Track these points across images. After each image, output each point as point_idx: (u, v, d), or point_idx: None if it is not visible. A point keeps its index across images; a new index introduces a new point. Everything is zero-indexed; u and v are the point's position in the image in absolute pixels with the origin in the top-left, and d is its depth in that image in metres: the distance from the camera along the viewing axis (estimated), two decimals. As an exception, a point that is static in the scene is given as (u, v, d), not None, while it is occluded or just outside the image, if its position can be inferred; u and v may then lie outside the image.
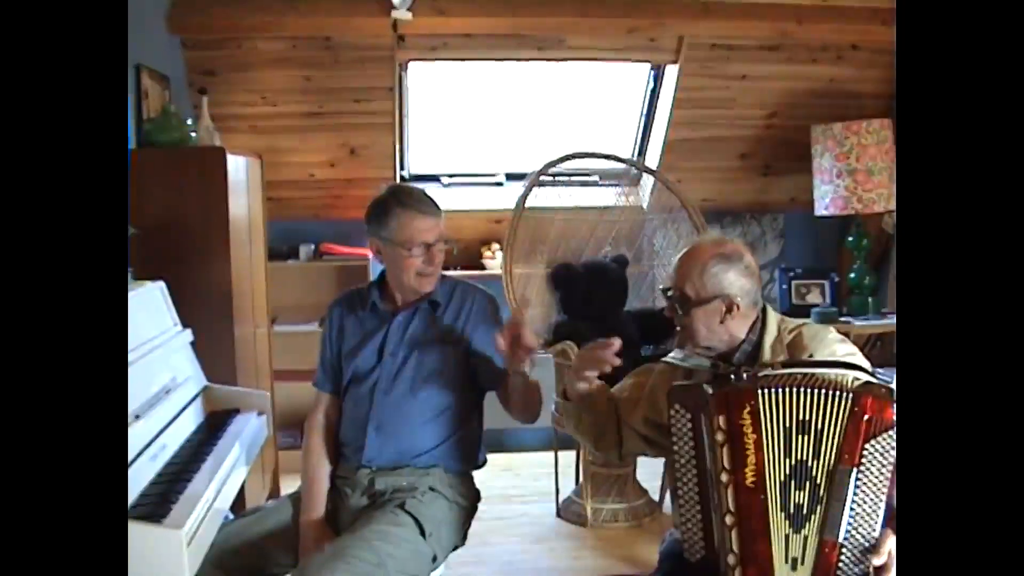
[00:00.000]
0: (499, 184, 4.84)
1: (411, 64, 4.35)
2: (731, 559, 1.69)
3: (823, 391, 1.67)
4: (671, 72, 4.43)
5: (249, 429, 2.40)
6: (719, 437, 1.69)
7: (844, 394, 1.67)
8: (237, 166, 3.24)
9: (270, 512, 2.23)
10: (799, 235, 5.04)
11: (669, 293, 1.93)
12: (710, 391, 1.73)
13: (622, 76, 4.70)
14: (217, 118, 3.59)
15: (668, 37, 4.24)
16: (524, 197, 3.93)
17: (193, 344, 2.59)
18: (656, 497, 3.89)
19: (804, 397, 1.68)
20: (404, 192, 2.23)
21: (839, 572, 1.67)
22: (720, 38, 4.24)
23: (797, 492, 1.68)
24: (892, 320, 4.29)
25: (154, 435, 2.07)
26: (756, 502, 1.68)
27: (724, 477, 1.69)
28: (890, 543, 1.64)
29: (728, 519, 1.69)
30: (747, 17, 4.12)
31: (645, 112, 4.70)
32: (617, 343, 1.91)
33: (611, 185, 4.65)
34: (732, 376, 1.76)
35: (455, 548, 2.23)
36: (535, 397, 2.19)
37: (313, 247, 4.54)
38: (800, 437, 1.68)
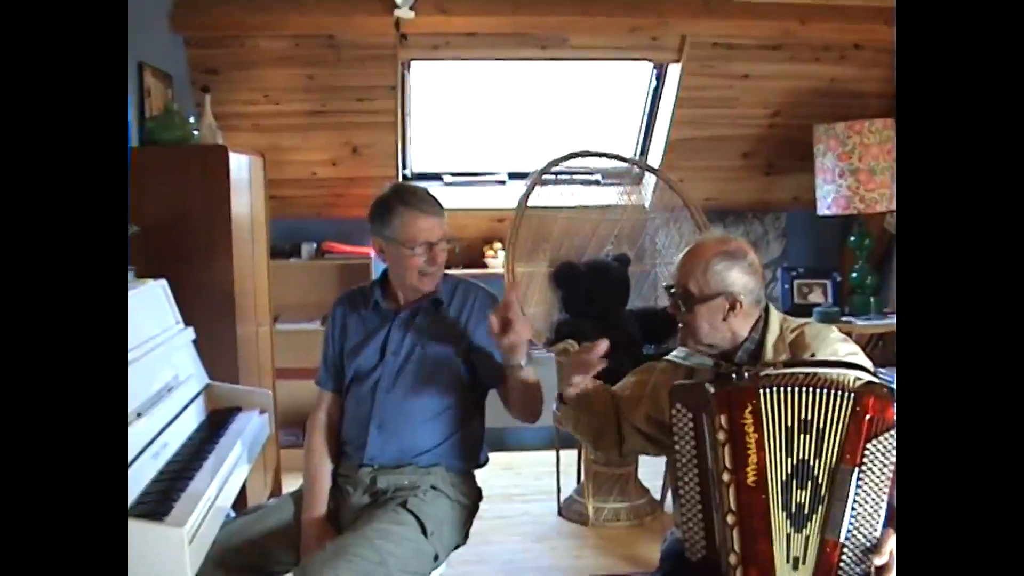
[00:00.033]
0: (501, 183, 4.84)
1: (413, 63, 4.35)
2: (732, 558, 1.69)
3: (825, 390, 1.67)
4: (673, 71, 4.43)
5: (251, 427, 2.40)
6: (720, 436, 1.69)
7: (846, 394, 1.66)
8: (239, 164, 3.24)
9: (272, 510, 2.23)
10: (801, 234, 5.04)
11: (672, 290, 1.93)
12: (711, 390, 1.73)
13: (624, 75, 4.70)
14: (220, 116, 3.59)
15: (670, 36, 4.24)
16: (526, 196, 3.93)
17: (195, 342, 2.59)
18: (658, 496, 3.89)
19: (806, 396, 1.68)
20: (407, 191, 2.23)
21: (840, 572, 1.67)
22: (722, 37, 4.24)
23: (799, 491, 1.68)
24: (894, 320, 4.29)
25: (156, 433, 2.07)
26: (757, 501, 1.68)
27: (725, 476, 1.69)
28: (891, 543, 1.64)
29: (729, 518, 1.69)
30: (749, 16, 4.12)
31: (647, 111, 4.70)
32: (603, 345, 1.92)
33: (613, 184, 4.65)
34: (734, 375, 1.76)
35: (456, 547, 2.23)
36: (536, 397, 2.19)
37: (315, 246, 4.54)
38: (802, 437, 1.68)
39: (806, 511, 1.68)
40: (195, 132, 3.29)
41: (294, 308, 4.47)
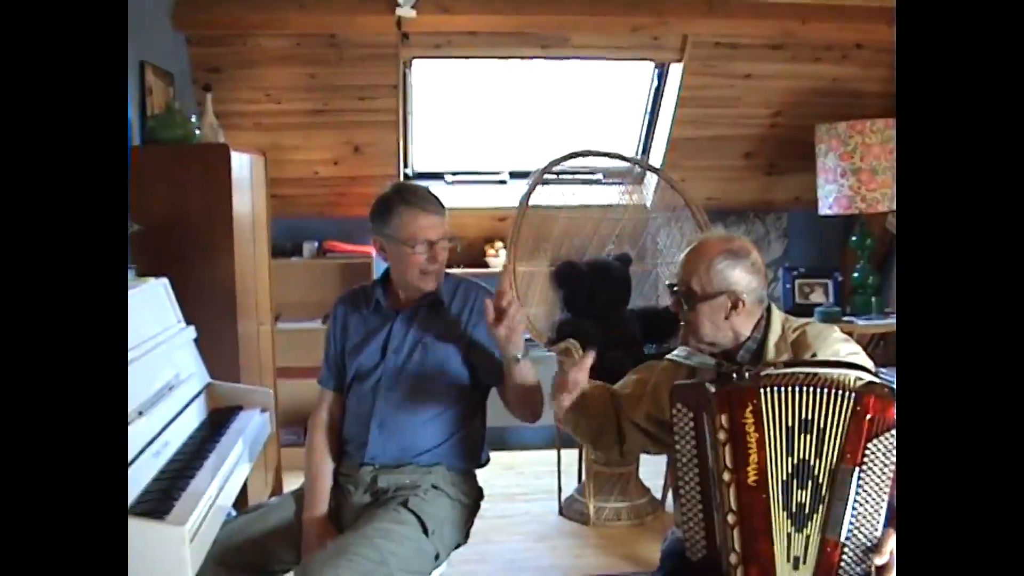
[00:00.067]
0: (503, 182, 4.84)
1: (415, 62, 4.36)
2: (733, 558, 1.69)
3: (825, 390, 1.67)
4: (675, 71, 4.43)
5: (252, 426, 2.40)
6: (721, 436, 1.69)
7: (846, 393, 1.66)
8: (241, 163, 3.24)
9: (273, 509, 2.23)
10: (803, 234, 5.04)
11: (675, 288, 1.93)
12: (712, 390, 1.73)
13: (626, 74, 4.70)
14: (221, 115, 3.60)
15: (672, 36, 4.24)
16: (528, 195, 3.93)
17: (196, 341, 2.59)
18: (659, 496, 3.89)
19: (806, 396, 1.68)
20: (408, 190, 2.24)
21: (841, 571, 1.67)
22: (724, 37, 4.24)
23: (799, 491, 1.68)
24: (895, 320, 4.29)
25: (157, 432, 2.07)
26: (758, 501, 1.68)
27: (726, 476, 1.69)
28: (892, 542, 1.63)
29: (730, 518, 1.69)
30: (751, 16, 4.12)
31: (649, 110, 4.70)
32: (588, 360, 1.96)
33: (615, 183, 4.65)
34: (734, 375, 1.76)
35: (457, 546, 2.23)
36: (535, 397, 2.19)
37: (317, 244, 4.55)
38: (802, 436, 1.68)
39: (807, 511, 1.68)
40: (197, 131, 3.29)
41: (295, 307, 4.48)
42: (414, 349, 2.23)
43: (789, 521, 1.68)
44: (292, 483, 2.71)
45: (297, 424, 4.12)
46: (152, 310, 2.43)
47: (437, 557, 2.11)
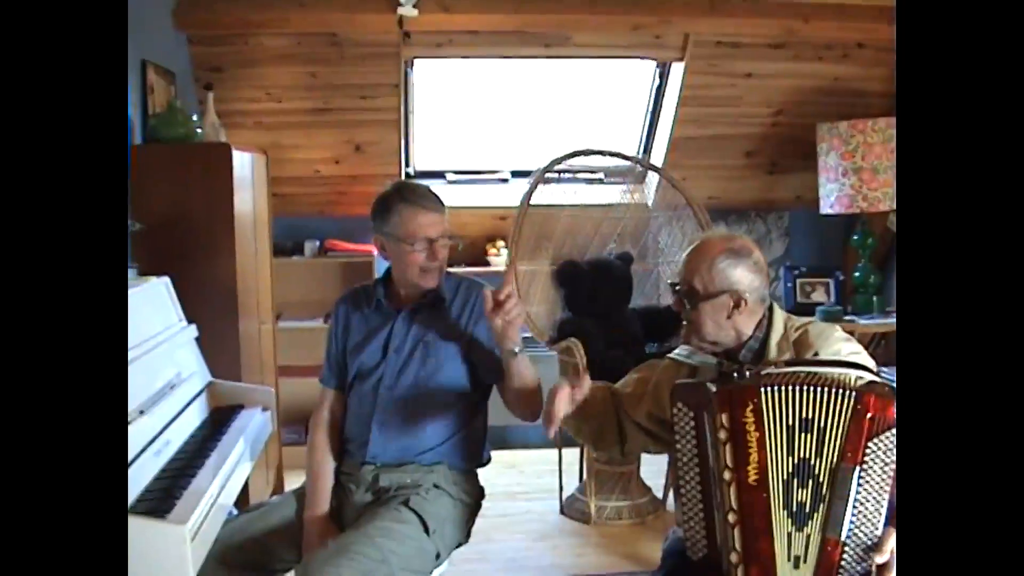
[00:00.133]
0: (504, 181, 4.84)
1: (416, 61, 4.36)
2: (734, 557, 1.69)
3: (826, 389, 1.67)
4: (677, 70, 4.43)
5: (253, 425, 2.40)
6: (722, 435, 1.69)
7: (847, 392, 1.66)
8: (242, 162, 3.24)
9: (274, 508, 2.24)
10: (804, 233, 5.04)
11: (677, 287, 1.93)
12: (713, 389, 1.73)
13: (627, 73, 4.70)
14: (223, 114, 3.60)
15: (674, 34, 4.24)
16: (529, 194, 3.93)
17: (198, 340, 2.59)
18: (660, 495, 3.89)
19: (807, 395, 1.68)
20: (407, 188, 2.24)
21: (842, 570, 1.67)
22: (726, 36, 4.24)
23: (800, 490, 1.68)
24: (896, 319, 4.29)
25: (158, 431, 2.08)
26: (759, 500, 1.68)
27: (727, 475, 1.69)
28: (892, 541, 1.63)
29: (731, 517, 1.69)
30: (753, 15, 4.12)
31: (650, 110, 4.70)
32: (586, 385, 1.95)
33: (616, 182, 4.64)
34: (735, 374, 1.76)
35: (459, 545, 2.23)
36: (535, 396, 2.18)
37: (318, 243, 4.55)
38: (803, 435, 1.68)
39: (807, 510, 1.68)
40: (198, 130, 3.29)
41: (296, 306, 4.48)
42: (415, 348, 2.23)
43: (790, 520, 1.68)
44: (293, 482, 2.71)
45: (298, 423, 4.13)
46: (153, 309, 2.43)
47: (438, 556, 2.11)
